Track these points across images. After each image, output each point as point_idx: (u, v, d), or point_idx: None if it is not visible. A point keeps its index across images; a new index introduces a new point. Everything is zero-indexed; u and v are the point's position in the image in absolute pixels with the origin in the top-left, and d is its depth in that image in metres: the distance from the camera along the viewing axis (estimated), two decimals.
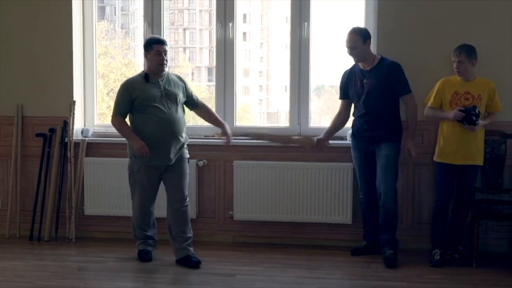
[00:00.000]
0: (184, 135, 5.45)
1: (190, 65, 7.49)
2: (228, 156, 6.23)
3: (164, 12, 6.52)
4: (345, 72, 5.69)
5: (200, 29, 7.44)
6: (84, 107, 6.63)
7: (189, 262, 5.34)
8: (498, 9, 5.81)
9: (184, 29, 7.47)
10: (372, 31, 5.76)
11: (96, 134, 6.52)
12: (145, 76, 5.29)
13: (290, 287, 4.96)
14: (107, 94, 7.18)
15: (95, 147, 6.42)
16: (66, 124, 6.28)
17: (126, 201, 6.22)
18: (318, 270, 5.36)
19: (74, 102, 6.37)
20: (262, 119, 7.33)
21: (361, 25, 6.15)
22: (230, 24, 6.37)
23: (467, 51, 5.39)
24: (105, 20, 7.41)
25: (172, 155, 5.28)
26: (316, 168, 6.02)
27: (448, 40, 5.65)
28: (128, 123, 5.46)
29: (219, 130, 6.34)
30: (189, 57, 7.53)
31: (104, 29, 7.31)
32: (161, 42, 5.33)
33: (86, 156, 6.33)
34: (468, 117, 5.22)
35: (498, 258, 5.73)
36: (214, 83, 6.55)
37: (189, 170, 6.15)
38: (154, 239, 5.74)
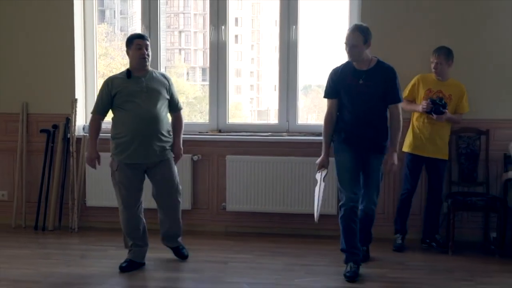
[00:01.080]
0: (167, 133, 4.99)
1: (185, 66, 7.48)
2: (221, 151, 6.24)
3: (160, 16, 6.52)
4: (337, 69, 4.96)
5: (195, 32, 7.43)
6: (85, 105, 6.61)
7: (178, 254, 5.24)
8: (475, 10, 5.83)
9: (180, 32, 7.46)
10: None
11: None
12: (127, 73, 4.90)
13: (279, 274, 4.98)
14: None
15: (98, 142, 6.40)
16: (68, 121, 6.28)
17: None
18: (305, 257, 5.38)
19: (76, 100, 6.37)
20: (253, 116, 7.34)
21: (345, 25, 6.22)
22: (223, 27, 6.38)
23: (445, 53, 5.49)
24: (105, 23, 7.40)
25: (153, 154, 4.86)
26: (303, 163, 6.05)
27: (428, 40, 5.71)
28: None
29: (213, 127, 6.41)
30: (184, 58, 7.53)
31: (104, 32, 7.30)
32: (141, 37, 4.96)
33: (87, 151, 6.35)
34: (436, 108, 5.40)
35: (473, 246, 5.77)
36: (208, 83, 6.55)
37: (184, 165, 6.22)
38: (144, 246, 5.10)
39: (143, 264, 5.03)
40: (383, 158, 4.89)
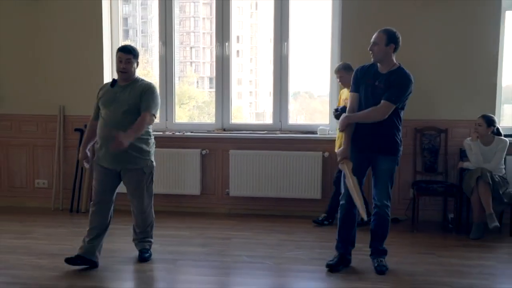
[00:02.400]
0: (137, 143, 4.27)
1: (195, 76, 7.47)
2: (225, 146, 6.23)
3: (175, 34, 6.52)
4: (363, 67, 4.33)
5: (203, 47, 7.42)
6: None
7: (139, 257, 4.54)
8: (443, 20, 5.84)
9: (191, 47, 7.44)
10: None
11: None
12: (112, 81, 4.43)
13: (273, 248, 4.97)
14: None
15: None
16: None
17: None
18: (294, 234, 5.38)
19: None
20: (251, 117, 7.33)
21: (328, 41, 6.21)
22: (227, 44, 6.37)
23: (343, 67, 5.60)
24: (129, 40, 7.38)
25: (119, 160, 4.27)
26: (293, 156, 6.05)
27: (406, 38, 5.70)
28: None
29: (218, 126, 6.40)
30: (194, 69, 7.51)
31: None
32: (122, 50, 4.34)
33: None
34: (335, 113, 5.52)
35: (433, 225, 5.79)
36: (214, 90, 6.55)
37: (194, 158, 6.21)
38: (97, 244, 4.40)
39: (94, 263, 4.33)
40: (391, 159, 4.24)
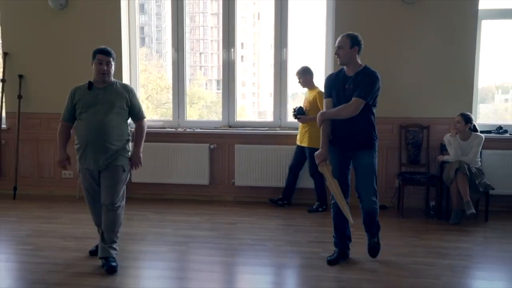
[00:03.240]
0: (117, 142, 3.97)
1: (204, 78, 7.47)
2: (231, 141, 6.22)
3: (186, 41, 6.50)
4: (331, 75, 4.18)
5: (211, 53, 7.41)
6: None
7: (106, 265, 3.90)
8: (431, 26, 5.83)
9: (200, 53, 7.44)
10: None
11: None
12: (89, 84, 3.98)
13: (273, 232, 4.98)
14: (146, 98, 7.15)
15: None
16: None
17: (161, 172, 6.27)
18: (293, 220, 5.38)
19: None
20: (254, 116, 7.34)
21: (323, 47, 6.21)
22: (232, 50, 6.36)
23: (301, 72, 5.78)
24: (145, 47, 7.38)
25: (101, 161, 3.91)
26: (292, 150, 6.02)
27: (392, 46, 5.71)
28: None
29: (225, 123, 6.40)
30: (203, 73, 7.51)
31: (144, 53, 7.28)
32: (103, 52, 3.97)
33: (132, 141, 6.32)
34: (295, 116, 5.72)
35: (417, 211, 5.79)
36: (221, 91, 6.53)
37: (203, 152, 6.21)
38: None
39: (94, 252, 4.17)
40: (369, 153, 3.95)
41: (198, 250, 4.49)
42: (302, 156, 5.84)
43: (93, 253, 4.19)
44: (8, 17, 6.47)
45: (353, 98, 3.85)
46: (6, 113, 6.52)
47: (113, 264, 3.91)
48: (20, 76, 6.47)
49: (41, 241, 4.62)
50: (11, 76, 6.49)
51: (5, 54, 6.49)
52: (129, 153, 4.10)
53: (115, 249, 4.03)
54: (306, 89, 5.91)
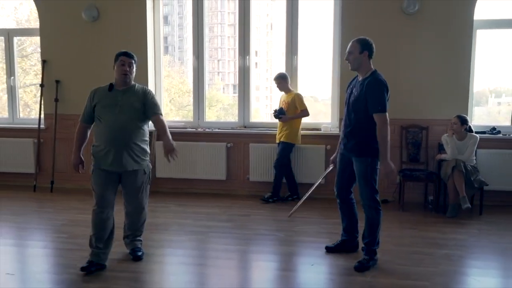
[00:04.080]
0: (140, 143, 3.71)
1: (222, 83, 7.49)
2: (246, 140, 6.22)
3: (205, 50, 6.51)
4: (351, 80, 3.89)
5: (228, 60, 7.42)
6: None
7: (133, 256, 3.84)
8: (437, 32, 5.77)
9: (218, 60, 7.46)
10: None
11: None
12: (110, 86, 3.74)
13: (284, 223, 4.97)
14: (169, 101, 7.18)
15: None
16: None
17: (183, 169, 6.28)
18: (302, 212, 5.34)
19: None
20: (267, 117, 7.31)
21: (330, 55, 6.17)
22: (247, 57, 6.35)
23: (279, 77, 5.86)
24: (168, 55, 7.41)
25: (123, 163, 3.61)
26: (302, 148, 6.02)
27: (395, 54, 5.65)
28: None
29: (240, 124, 6.39)
30: (221, 78, 7.53)
31: (167, 60, 7.30)
32: (126, 55, 3.77)
33: (157, 140, 6.35)
34: (276, 115, 5.82)
35: (416, 205, 5.74)
36: (237, 95, 6.52)
37: (221, 150, 6.21)
38: (103, 248, 3.69)
39: (103, 266, 3.68)
40: (362, 160, 3.69)
41: (216, 239, 4.49)
42: (280, 151, 5.89)
43: (84, 269, 3.59)
44: (46, 29, 6.53)
45: (374, 115, 3.55)
46: (45, 114, 6.59)
47: (139, 253, 3.86)
48: (57, 81, 6.53)
49: (75, 230, 4.65)
50: (49, 81, 6.56)
51: (43, 62, 6.55)
52: (149, 155, 3.83)
53: (140, 240, 3.97)
54: (283, 93, 6.01)
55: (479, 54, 5.86)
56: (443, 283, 3.47)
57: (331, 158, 4.14)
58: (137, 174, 3.73)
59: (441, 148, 5.64)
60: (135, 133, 3.68)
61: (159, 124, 3.77)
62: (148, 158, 3.83)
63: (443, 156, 5.50)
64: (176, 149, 3.65)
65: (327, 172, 4.23)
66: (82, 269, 3.58)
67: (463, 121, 5.38)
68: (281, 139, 5.84)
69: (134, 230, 3.92)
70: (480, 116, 6.31)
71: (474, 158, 5.47)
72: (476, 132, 5.55)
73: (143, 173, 3.77)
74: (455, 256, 4.02)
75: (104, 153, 3.63)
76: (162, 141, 3.69)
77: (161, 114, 3.83)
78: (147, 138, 3.83)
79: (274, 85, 6.01)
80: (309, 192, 4.18)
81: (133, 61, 3.79)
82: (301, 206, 5.10)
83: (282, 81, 5.89)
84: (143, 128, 3.77)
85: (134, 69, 3.81)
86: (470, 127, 5.47)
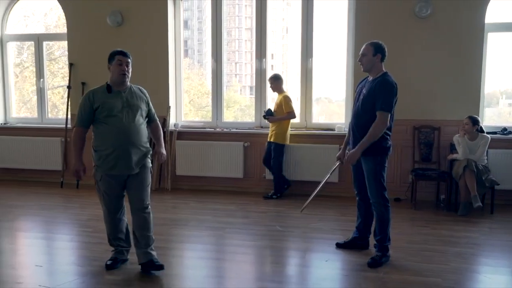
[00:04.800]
0: (146, 144, 3.48)
1: (239, 85, 7.48)
2: (262, 140, 6.17)
3: (223, 53, 6.50)
4: (361, 80, 3.86)
5: (245, 63, 7.41)
6: (175, 110, 6.63)
7: (153, 267, 3.46)
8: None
9: (236, 63, 7.45)
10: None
11: (183, 126, 6.54)
12: (107, 87, 3.41)
13: (299, 220, 4.93)
14: (189, 102, 7.19)
15: (182, 134, 6.44)
16: (165, 121, 6.30)
17: (202, 167, 6.28)
18: (317, 210, 5.29)
19: (169, 107, 6.40)
20: None
21: (344, 57, 6.12)
22: (264, 60, 6.33)
23: (273, 78, 5.85)
24: (188, 58, 7.42)
25: (133, 165, 3.39)
26: (316, 148, 5.99)
27: (407, 57, 5.57)
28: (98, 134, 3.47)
29: (257, 124, 6.37)
30: (238, 80, 7.52)
31: (187, 63, 7.32)
32: (123, 54, 3.44)
33: (177, 139, 6.37)
34: (264, 116, 5.86)
35: (428, 204, 5.64)
36: (254, 96, 6.52)
37: (238, 149, 6.19)
38: (126, 247, 3.65)
39: (126, 259, 3.64)
40: (369, 159, 3.64)
41: (233, 235, 4.48)
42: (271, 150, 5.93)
43: (109, 267, 3.52)
44: (73, 34, 6.61)
45: (376, 113, 3.52)
46: (71, 115, 6.65)
47: (158, 263, 3.48)
48: (83, 83, 6.59)
49: (99, 224, 4.64)
50: (75, 83, 6.63)
51: (70, 65, 6.62)
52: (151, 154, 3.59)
53: (153, 250, 3.56)
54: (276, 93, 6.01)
55: (490, 56, 5.76)
56: (455, 280, 3.40)
57: (337, 154, 4.07)
58: (144, 173, 3.50)
59: (452, 148, 5.55)
60: (142, 133, 3.46)
61: (159, 131, 3.67)
62: (150, 157, 3.58)
63: (454, 156, 5.41)
64: (164, 153, 3.63)
65: (333, 168, 4.14)
66: (108, 267, 3.50)
67: (475, 121, 5.29)
68: (271, 139, 5.87)
69: (145, 235, 3.50)
70: (491, 117, 6.20)
71: (486, 158, 5.36)
72: (487, 133, 5.44)
73: (148, 171, 3.54)
74: (466, 254, 3.94)
75: (113, 157, 3.35)
76: (157, 145, 3.63)
77: (157, 119, 3.70)
78: (149, 139, 3.57)
79: (289, 86, 5.99)
80: (318, 188, 4.14)
81: (130, 60, 3.47)
82: (316, 203, 5.04)
83: (275, 81, 5.88)
84: (145, 128, 3.54)
85: (131, 69, 3.49)
86: (481, 127, 5.37)
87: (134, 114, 3.40)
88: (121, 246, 3.61)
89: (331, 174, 4.14)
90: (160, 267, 3.46)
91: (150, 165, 3.56)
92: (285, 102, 5.80)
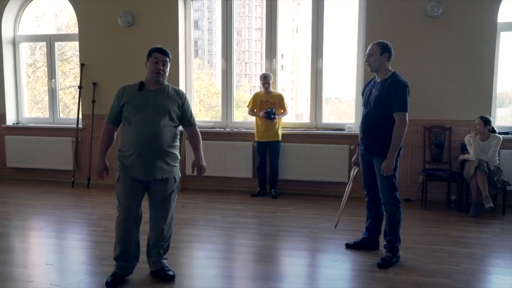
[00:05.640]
0: (172, 149, 3.20)
1: (249, 85, 7.47)
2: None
3: (233, 53, 6.52)
4: (368, 82, 3.88)
5: (255, 63, 7.39)
6: None
7: (163, 276, 3.30)
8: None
9: (246, 63, 7.43)
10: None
11: None
12: (140, 84, 3.20)
13: (309, 220, 4.93)
14: (199, 102, 7.20)
15: None
16: None
17: (212, 166, 6.30)
18: (326, 210, 5.30)
19: None
20: (293, 118, 7.26)
21: (354, 59, 6.10)
22: (274, 60, 6.32)
23: (265, 76, 5.85)
24: (198, 58, 7.44)
25: (154, 170, 3.12)
26: (326, 148, 5.97)
27: (420, 55, 5.53)
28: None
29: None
30: (248, 80, 7.51)
31: (197, 63, 7.33)
32: (161, 51, 3.25)
33: (187, 139, 6.38)
34: (268, 115, 5.75)
35: (439, 204, 5.61)
36: None
37: (248, 148, 6.18)
38: (132, 263, 3.32)
39: (127, 274, 3.31)
40: (382, 159, 3.58)
41: (243, 235, 4.49)
42: (269, 148, 5.96)
43: (110, 286, 3.20)
44: (85, 34, 6.66)
45: (394, 114, 3.50)
46: (83, 115, 6.71)
47: (170, 273, 3.32)
48: (94, 84, 6.64)
49: (110, 224, 4.69)
50: (86, 84, 6.68)
51: (82, 65, 6.67)
52: (179, 161, 3.34)
53: (166, 258, 3.41)
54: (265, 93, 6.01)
55: (502, 56, 5.70)
56: (465, 281, 3.37)
57: (353, 159, 4.04)
58: (167, 182, 3.22)
59: (464, 149, 5.50)
60: (167, 137, 3.16)
61: (196, 137, 3.37)
62: (178, 165, 3.31)
63: (466, 156, 5.36)
64: (204, 165, 3.34)
65: (353, 175, 4.06)
66: (108, 285, 3.18)
67: (487, 121, 5.23)
68: (272, 138, 5.89)
69: (159, 244, 3.32)
70: (503, 117, 6.13)
71: (497, 158, 5.31)
72: (499, 133, 5.39)
73: (174, 181, 3.25)
74: (477, 255, 3.90)
75: (132, 159, 3.11)
76: (195, 157, 3.33)
77: (196, 124, 3.41)
78: (178, 143, 3.30)
79: (299, 86, 5.98)
80: (345, 200, 4.09)
81: (168, 59, 3.26)
82: (326, 204, 5.05)
83: (270, 80, 5.92)
84: (175, 132, 3.25)
85: (168, 68, 3.28)
86: (493, 127, 5.32)
87: (160, 115, 3.12)
88: (126, 261, 3.28)
89: (352, 182, 4.04)
90: (170, 278, 3.28)
91: (178, 173, 3.29)
92: (284, 100, 5.94)
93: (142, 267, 3.44)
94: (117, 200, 3.22)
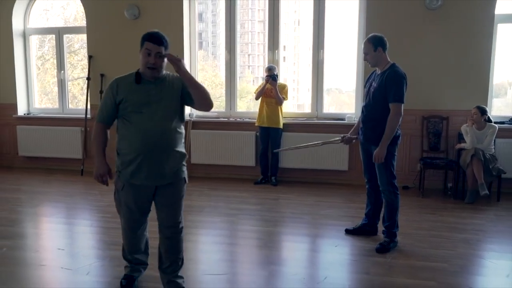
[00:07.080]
0: (180, 149, 2.73)
1: (252, 76, 7.46)
2: None
3: (237, 45, 6.48)
4: (370, 75, 3.84)
5: (258, 55, 7.38)
6: None
7: None
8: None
9: (249, 55, 7.43)
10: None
11: (197, 116, 6.52)
12: (136, 77, 2.66)
13: (311, 207, 4.95)
14: None
15: (197, 123, 6.44)
16: None
17: (216, 155, 6.30)
18: (328, 197, 5.33)
19: None
20: (294, 108, 7.27)
21: (355, 50, 6.07)
22: (276, 51, 6.30)
23: (269, 69, 5.82)
24: (202, 50, 7.42)
25: (163, 174, 2.67)
26: (327, 137, 5.87)
27: (418, 48, 5.50)
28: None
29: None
30: (251, 71, 7.50)
31: (202, 55, 7.31)
32: (153, 40, 2.63)
33: (192, 129, 6.40)
34: (273, 77, 5.73)
35: (436, 191, 5.61)
36: None
37: (250, 138, 6.18)
38: (144, 264, 3.08)
39: (130, 285, 2.96)
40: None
41: (246, 221, 4.51)
42: (270, 136, 5.97)
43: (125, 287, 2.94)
44: (92, 26, 6.64)
45: (390, 105, 3.51)
46: (91, 105, 6.72)
47: None
48: (102, 75, 6.65)
49: None
50: (94, 75, 6.68)
51: (90, 57, 6.67)
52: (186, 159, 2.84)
53: (181, 277, 2.92)
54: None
55: (499, 47, 5.66)
56: (461, 265, 3.39)
57: (343, 135, 4.04)
58: (178, 185, 2.78)
59: (460, 138, 5.49)
60: (175, 137, 2.70)
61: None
62: (186, 164, 2.86)
63: (462, 145, 5.36)
64: (181, 59, 2.69)
65: (331, 140, 4.14)
66: (125, 285, 2.93)
67: (483, 111, 5.22)
68: (274, 125, 5.89)
69: (171, 259, 2.87)
70: (499, 107, 6.11)
71: (493, 147, 5.30)
72: (495, 122, 5.38)
73: (184, 181, 2.83)
74: (473, 240, 3.92)
75: (136, 164, 2.65)
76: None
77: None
78: (183, 140, 2.82)
79: (301, 77, 5.96)
80: (302, 146, 4.43)
81: (163, 48, 2.66)
82: (327, 191, 5.05)
83: (275, 73, 5.90)
84: (182, 129, 2.78)
85: (165, 58, 2.68)
86: (489, 117, 5.31)
87: (165, 113, 2.64)
88: (138, 262, 3.03)
89: (323, 143, 4.22)
90: None
91: (186, 174, 2.83)
92: (287, 88, 5.97)
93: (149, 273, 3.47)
94: (121, 209, 2.84)
